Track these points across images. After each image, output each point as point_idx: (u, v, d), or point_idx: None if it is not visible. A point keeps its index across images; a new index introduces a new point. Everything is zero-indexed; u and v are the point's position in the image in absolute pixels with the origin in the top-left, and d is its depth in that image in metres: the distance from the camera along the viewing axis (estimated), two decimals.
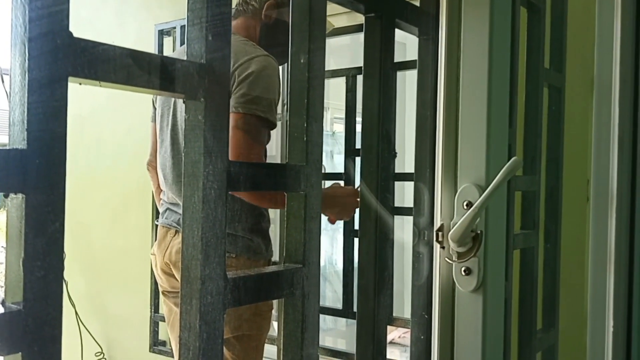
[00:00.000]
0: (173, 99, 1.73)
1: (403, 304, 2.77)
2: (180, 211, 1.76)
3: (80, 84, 0.56)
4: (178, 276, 1.72)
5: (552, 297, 1.60)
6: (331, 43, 2.75)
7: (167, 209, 1.79)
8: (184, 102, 0.64)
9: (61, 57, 0.51)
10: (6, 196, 0.52)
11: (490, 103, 0.80)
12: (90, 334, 3.13)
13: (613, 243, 1.41)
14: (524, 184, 1.53)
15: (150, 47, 3.12)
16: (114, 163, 3.23)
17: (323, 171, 2.66)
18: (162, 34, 3.14)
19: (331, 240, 4.20)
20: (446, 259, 0.81)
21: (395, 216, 1.68)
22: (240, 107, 1.50)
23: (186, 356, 0.59)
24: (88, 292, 3.26)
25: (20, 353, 0.49)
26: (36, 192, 0.47)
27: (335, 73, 2.54)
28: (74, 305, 3.06)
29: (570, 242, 1.67)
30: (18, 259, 0.49)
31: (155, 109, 1.86)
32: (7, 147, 0.50)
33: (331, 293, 4.04)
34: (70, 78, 0.52)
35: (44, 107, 0.46)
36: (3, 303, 0.52)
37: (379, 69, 0.92)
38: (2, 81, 4.89)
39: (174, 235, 1.72)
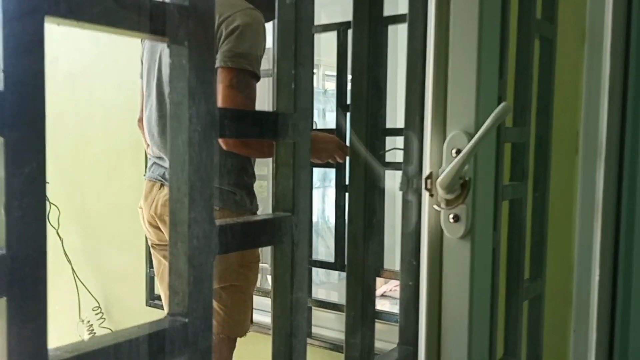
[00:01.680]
0: (159, 53, 1.71)
1: (394, 257, 2.80)
2: (166, 165, 1.76)
3: (58, 24, 0.55)
4: (164, 229, 1.74)
5: (539, 247, 1.62)
6: None
7: (154, 163, 1.80)
8: (168, 46, 0.63)
9: None
10: None
11: (481, 50, 0.79)
12: (88, 290, 3.16)
13: (601, 194, 1.43)
14: (514, 135, 1.53)
15: None
16: (106, 120, 3.21)
17: (314, 127, 2.67)
18: None
19: (323, 196, 4.22)
20: (434, 206, 0.81)
21: (387, 170, 1.68)
22: (229, 61, 1.49)
23: (174, 300, 0.59)
24: (84, 248, 3.28)
25: (5, 297, 0.49)
26: (15, 132, 0.46)
27: (326, 28, 2.50)
28: (70, 262, 3.08)
29: (559, 193, 1.68)
30: (0, 205, 0.49)
31: (142, 64, 1.84)
32: None
33: (324, 248, 4.08)
34: (47, 17, 0.51)
35: (20, 45, 0.45)
36: None
37: (368, 19, 0.90)
38: None
39: (160, 189, 1.73)
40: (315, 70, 4.62)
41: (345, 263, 1.42)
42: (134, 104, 2.08)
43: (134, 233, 2.91)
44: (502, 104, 0.73)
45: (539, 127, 1.63)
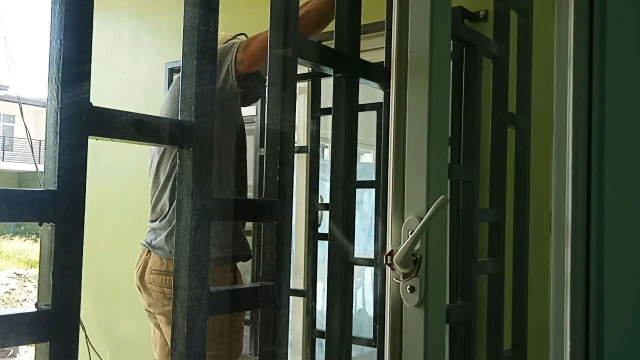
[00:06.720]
0: (159, 154, 1.92)
1: None
2: (155, 230, 1.86)
3: (97, 139, 0.75)
4: (145, 294, 1.85)
5: (521, 317, 1.75)
6: (329, 82, 2.94)
7: (149, 228, 1.92)
8: (177, 151, 0.82)
9: (84, 122, 0.69)
10: (40, 224, 0.70)
11: (430, 146, 0.97)
12: (100, 357, 3.27)
13: (569, 271, 1.56)
14: (490, 216, 1.70)
15: (161, 83, 3.34)
16: (125, 191, 3.42)
17: (321, 202, 2.79)
18: (172, 71, 3.36)
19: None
20: (394, 278, 0.98)
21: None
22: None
23: (175, 349, 0.76)
24: (98, 316, 3.42)
25: (48, 342, 0.66)
26: (63, 222, 0.64)
27: (328, 110, 2.73)
28: (84, 329, 3.21)
29: (538, 267, 1.82)
30: (48, 272, 0.67)
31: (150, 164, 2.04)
32: (42, 189, 0.68)
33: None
34: (90, 137, 0.70)
35: (71, 161, 0.64)
36: (36, 305, 0.69)
37: (344, 117, 1.10)
38: (22, 113, 5.12)
39: (146, 255, 1.84)
40: (327, 145, 4.86)
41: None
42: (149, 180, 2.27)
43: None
44: (440, 197, 0.90)
45: (517, 208, 1.79)
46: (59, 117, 0.68)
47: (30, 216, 0.63)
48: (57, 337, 0.66)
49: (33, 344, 0.66)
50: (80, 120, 0.69)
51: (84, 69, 0.67)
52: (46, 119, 0.71)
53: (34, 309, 0.67)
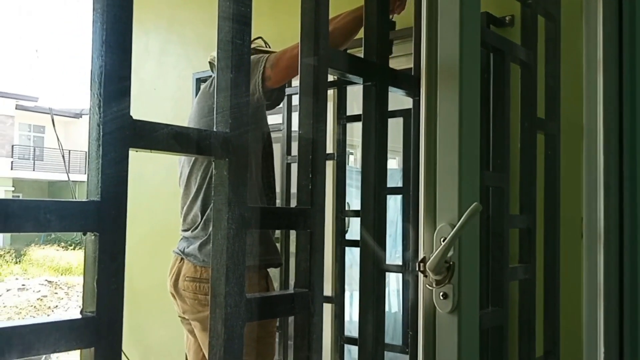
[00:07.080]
0: (189, 164, 1.94)
1: None
2: (187, 239, 1.89)
3: (137, 151, 0.77)
4: (177, 300, 1.88)
5: (553, 323, 1.73)
6: (354, 89, 2.96)
7: (181, 237, 1.96)
8: (212, 161, 0.84)
9: (126, 135, 0.71)
10: (84, 234, 0.72)
11: (461, 153, 0.98)
12: None
13: (602, 276, 1.55)
14: (520, 221, 1.69)
15: (189, 93, 3.39)
16: (153, 200, 3.47)
17: (348, 208, 2.80)
18: (199, 81, 3.41)
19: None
20: (427, 285, 0.98)
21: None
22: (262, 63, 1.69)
23: (213, 355, 0.77)
24: (129, 323, 3.46)
25: (93, 348, 0.68)
26: (107, 232, 0.66)
27: (357, 118, 2.74)
28: None
29: (570, 273, 1.80)
30: (93, 280, 0.69)
31: (180, 175, 2.07)
32: (86, 200, 0.70)
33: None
34: (130, 148, 0.72)
35: (113, 173, 0.66)
36: (81, 312, 0.71)
37: (374, 125, 1.11)
38: (54, 124, 5.22)
39: (180, 262, 1.88)
40: (352, 151, 4.87)
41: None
42: (178, 189, 2.31)
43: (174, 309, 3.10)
44: (473, 204, 0.91)
45: (547, 215, 1.78)
46: (101, 131, 0.70)
47: (78, 226, 0.65)
48: (102, 342, 0.68)
49: (79, 349, 0.69)
50: (123, 134, 0.72)
51: (125, 84, 0.69)
52: (89, 133, 0.74)
53: (79, 316, 0.69)
